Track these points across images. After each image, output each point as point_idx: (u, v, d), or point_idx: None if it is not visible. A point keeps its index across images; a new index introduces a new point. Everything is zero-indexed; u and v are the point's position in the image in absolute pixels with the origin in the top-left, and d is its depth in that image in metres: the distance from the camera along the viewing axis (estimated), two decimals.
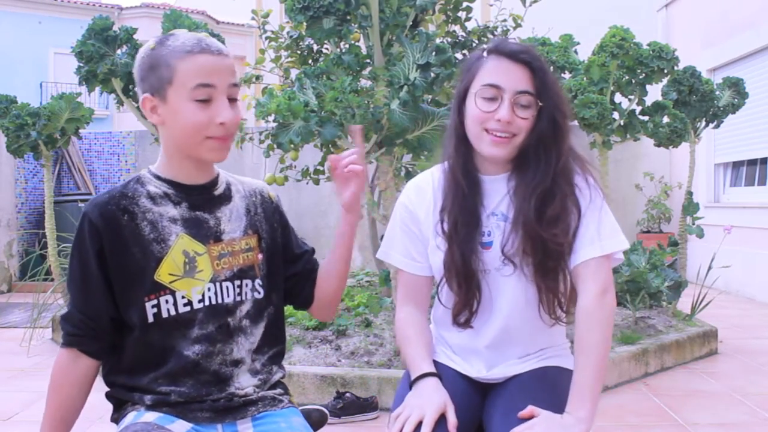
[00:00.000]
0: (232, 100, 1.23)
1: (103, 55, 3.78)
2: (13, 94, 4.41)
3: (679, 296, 4.10)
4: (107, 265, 1.22)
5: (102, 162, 7.93)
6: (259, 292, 1.32)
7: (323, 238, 7.37)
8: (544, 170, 1.31)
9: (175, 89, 1.19)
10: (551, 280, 1.32)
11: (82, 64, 3.83)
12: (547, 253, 1.30)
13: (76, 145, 7.75)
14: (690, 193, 4.43)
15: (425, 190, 1.44)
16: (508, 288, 1.35)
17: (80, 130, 4.43)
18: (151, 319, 1.22)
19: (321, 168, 4.13)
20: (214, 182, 1.32)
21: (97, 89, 3.97)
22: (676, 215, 6.97)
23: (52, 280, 4.47)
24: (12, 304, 5.82)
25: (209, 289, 1.25)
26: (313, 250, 1.47)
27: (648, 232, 7.58)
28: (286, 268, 1.40)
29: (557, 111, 1.31)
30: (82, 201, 6.92)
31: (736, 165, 6.71)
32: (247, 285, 1.30)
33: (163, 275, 1.22)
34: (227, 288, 1.27)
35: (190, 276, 1.24)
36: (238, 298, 1.29)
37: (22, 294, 5.90)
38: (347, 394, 2.82)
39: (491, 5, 4.52)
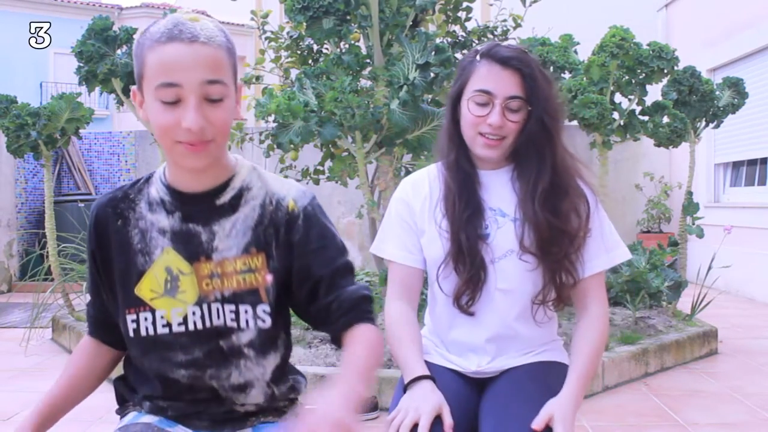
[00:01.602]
0: (213, 101, 1.02)
1: (103, 55, 3.78)
2: (13, 94, 4.41)
3: (679, 296, 4.10)
4: (98, 267, 1.17)
5: (102, 162, 7.93)
6: (263, 321, 1.12)
7: None
8: (540, 167, 1.36)
9: (146, 85, 1.04)
10: (568, 265, 1.36)
11: (82, 64, 3.83)
12: (561, 245, 1.35)
13: (76, 145, 7.75)
14: (690, 193, 4.43)
15: (421, 183, 1.48)
16: (505, 278, 1.38)
17: (80, 130, 4.43)
18: (131, 333, 1.13)
19: (321, 168, 4.13)
20: (220, 189, 1.13)
21: (97, 89, 3.97)
22: (676, 215, 6.97)
23: (52, 280, 4.47)
24: (12, 304, 5.82)
25: (194, 313, 1.11)
26: (363, 291, 1.15)
27: (648, 232, 7.58)
28: (308, 301, 1.15)
29: (545, 114, 1.35)
30: (82, 201, 6.92)
31: (736, 165, 6.71)
32: (246, 312, 1.12)
33: (143, 291, 1.12)
34: (218, 310, 1.12)
35: (171, 296, 1.12)
36: (232, 324, 1.12)
37: (22, 294, 5.90)
38: None
39: (491, 5, 4.52)
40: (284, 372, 1.21)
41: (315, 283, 1.13)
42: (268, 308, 1.12)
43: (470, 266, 1.36)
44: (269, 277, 1.13)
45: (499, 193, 1.41)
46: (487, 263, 1.38)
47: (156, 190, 1.15)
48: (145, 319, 1.12)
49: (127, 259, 1.13)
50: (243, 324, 1.12)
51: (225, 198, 1.13)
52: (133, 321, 1.13)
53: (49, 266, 4.44)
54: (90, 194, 7.52)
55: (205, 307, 1.11)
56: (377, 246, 1.49)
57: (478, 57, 1.37)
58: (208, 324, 1.12)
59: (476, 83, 1.35)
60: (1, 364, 3.90)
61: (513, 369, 1.40)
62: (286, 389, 1.21)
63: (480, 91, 1.34)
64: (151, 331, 1.12)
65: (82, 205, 6.74)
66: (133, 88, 1.09)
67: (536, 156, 1.36)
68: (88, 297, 1.25)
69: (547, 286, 1.37)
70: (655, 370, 3.52)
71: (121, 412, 1.26)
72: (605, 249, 1.39)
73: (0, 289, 6.79)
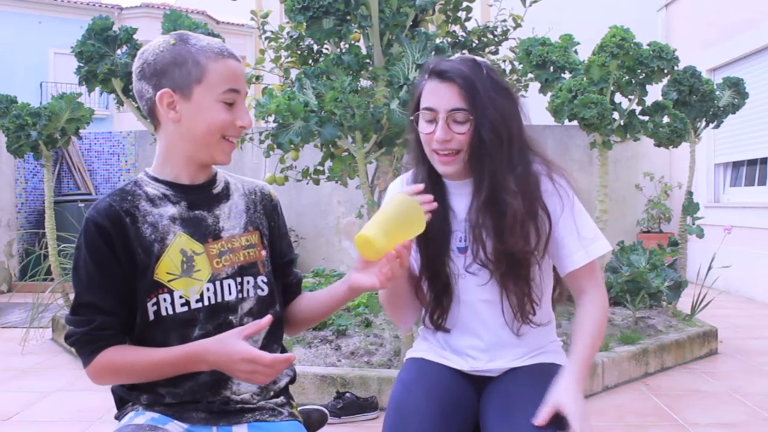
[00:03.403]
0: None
1: (103, 55, 3.78)
2: (13, 94, 4.41)
3: (679, 296, 4.10)
4: (121, 263, 1.20)
5: (102, 162, 7.93)
6: (263, 290, 1.30)
7: (323, 238, 7.38)
8: (479, 183, 1.34)
9: (204, 88, 1.20)
10: (522, 285, 1.36)
11: (82, 64, 3.83)
12: (514, 261, 1.33)
13: (76, 145, 7.74)
14: (690, 193, 4.43)
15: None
16: (484, 290, 1.38)
17: (80, 130, 4.43)
18: (152, 317, 1.21)
19: (321, 168, 4.13)
20: (212, 181, 1.32)
21: (97, 89, 3.97)
22: (676, 215, 6.97)
23: (52, 280, 4.47)
24: (12, 304, 5.82)
25: (208, 289, 1.24)
26: (294, 260, 1.45)
27: (648, 232, 7.58)
28: (279, 276, 1.38)
29: (486, 121, 1.30)
30: (82, 201, 6.92)
31: (736, 165, 6.71)
32: (248, 282, 1.28)
33: (161, 274, 1.21)
34: (229, 285, 1.26)
35: (188, 275, 1.23)
36: (239, 296, 1.27)
37: (22, 294, 5.89)
38: (347, 394, 2.82)
39: (491, 5, 4.52)
40: (271, 341, 1.32)
41: (288, 262, 1.41)
42: (265, 278, 1.31)
43: (436, 286, 1.40)
44: (264, 252, 1.33)
45: (469, 203, 1.40)
46: (459, 278, 1.39)
47: (153, 189, 1.27)
48: (164, 300, 1.21)
49: (144, 248, 1.22)
50: (246, 293, 1.28)
51: (219, 188, 1.33)
52: (153, 304, 1.21)
53: (49, 266, 4.44)
54: (90, 194, 7.51)
55: (217, 283, 1.25)
56: None
57: (426, 75, 1.37)
58: (221, 299, 1.25)
59: (423, 101, 1.35)
60: (1, 364, 3.90)
61: (514, 370, 1.40)
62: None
63: (425, 109, 1.34)
64: (170, 311, 1.22)
65: (82, 205, 6.73)
66: (165, 90, 1.20)
67: (477, 170, 1.33)
68: (95, 316, 1.19)
69: (509, 298, 1.36)
70: (655, 370, 3.52)
71: (119, 416, 1.28)
72: (582, 245, 1.36)
73: (0, 289, 6.79)
